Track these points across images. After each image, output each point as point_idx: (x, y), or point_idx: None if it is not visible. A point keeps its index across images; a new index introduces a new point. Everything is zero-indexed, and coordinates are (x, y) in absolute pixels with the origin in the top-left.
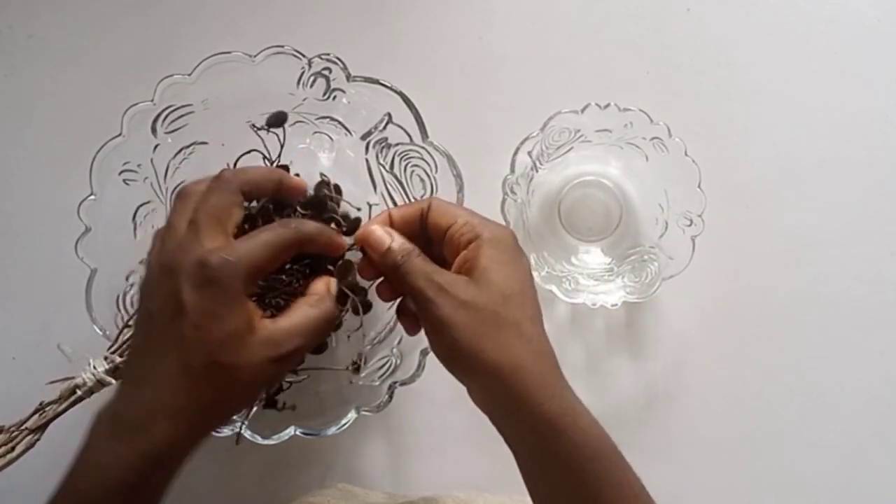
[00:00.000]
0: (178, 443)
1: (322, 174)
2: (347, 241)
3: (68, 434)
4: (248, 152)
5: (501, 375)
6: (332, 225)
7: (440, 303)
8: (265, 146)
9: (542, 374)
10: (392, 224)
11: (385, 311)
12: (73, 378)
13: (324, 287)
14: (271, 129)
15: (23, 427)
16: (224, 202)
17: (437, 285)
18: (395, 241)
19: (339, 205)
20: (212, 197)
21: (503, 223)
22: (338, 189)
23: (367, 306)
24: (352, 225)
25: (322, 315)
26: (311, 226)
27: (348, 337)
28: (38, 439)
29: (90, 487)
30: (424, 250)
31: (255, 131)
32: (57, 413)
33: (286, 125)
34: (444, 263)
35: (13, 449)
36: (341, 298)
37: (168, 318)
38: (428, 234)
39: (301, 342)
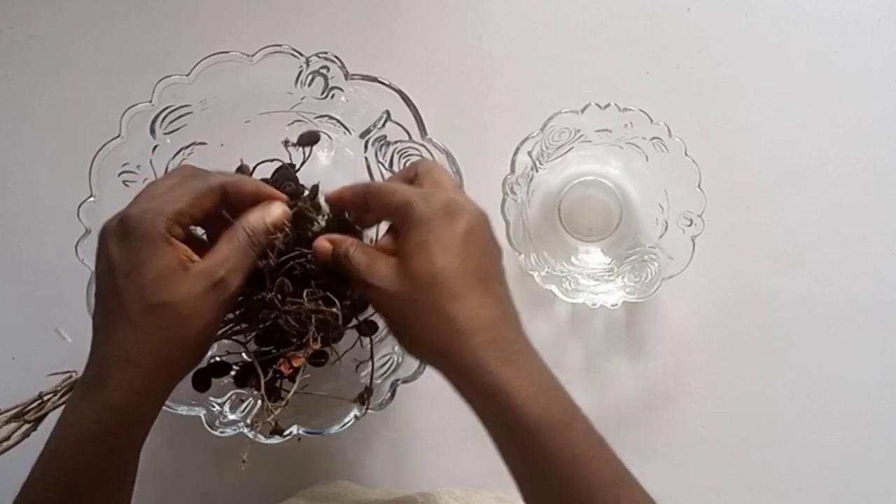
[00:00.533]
0: (136, 392)
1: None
2: (284, 198)
3: None
4: (272, 161)
5: (435, 360)
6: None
7: (374, 299)
8: (290, 158)
9: (472, 353)
10: (344, 199)
11: None
12: (72, 372)
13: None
14: (301, 147)
15: (21, 416)
16: (173, 181)
17: (369, 284)
18: (334, 244)
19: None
20: (164, 177)
21: (503, 222)
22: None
23: (373, 327)
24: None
25: (248, 242)
26: (233, 175)
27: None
28: (34, 429)
29: (61, 444)
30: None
31: (285, 147)
32: (55, 405)
33: (286, 126)
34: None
35: (9, 437)
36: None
37: (105, 278)
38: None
39: (232, 265)
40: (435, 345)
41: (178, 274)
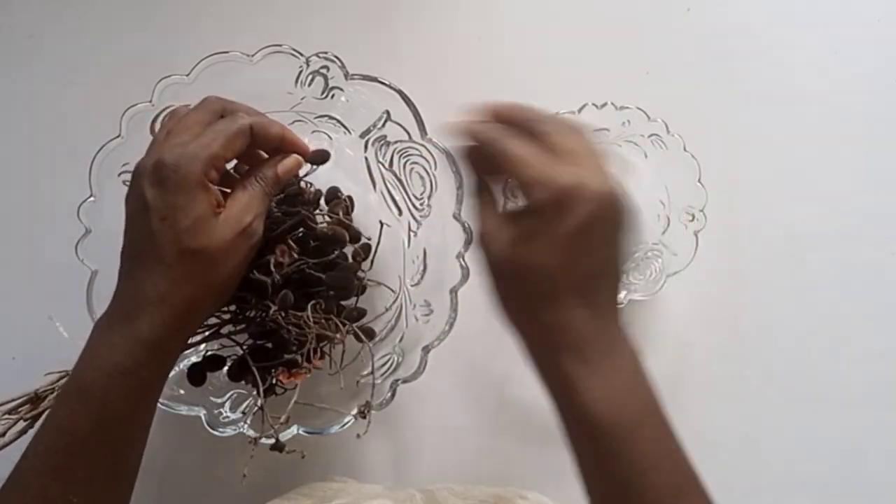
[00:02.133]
0: (167, 329)
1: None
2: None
3: None
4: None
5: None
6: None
7: (478, 238)
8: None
9: (551, 352)
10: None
11: (385, 310)
12: (67, 371)
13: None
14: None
15: (15, 411)
16: (202, 117)
17: (484, 214)
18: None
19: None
20: (192, 112)
21: None
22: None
23: (370, 334)
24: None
25: (262, 190)
26: (259, 116)
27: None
28: (30, 427)
29: (91, 376)
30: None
31: None
32: (52, 403)
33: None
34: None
35: (4, 433)
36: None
37: (138, 219)
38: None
39: (256, 211)
40: (516, 324)
41: (211, 220)
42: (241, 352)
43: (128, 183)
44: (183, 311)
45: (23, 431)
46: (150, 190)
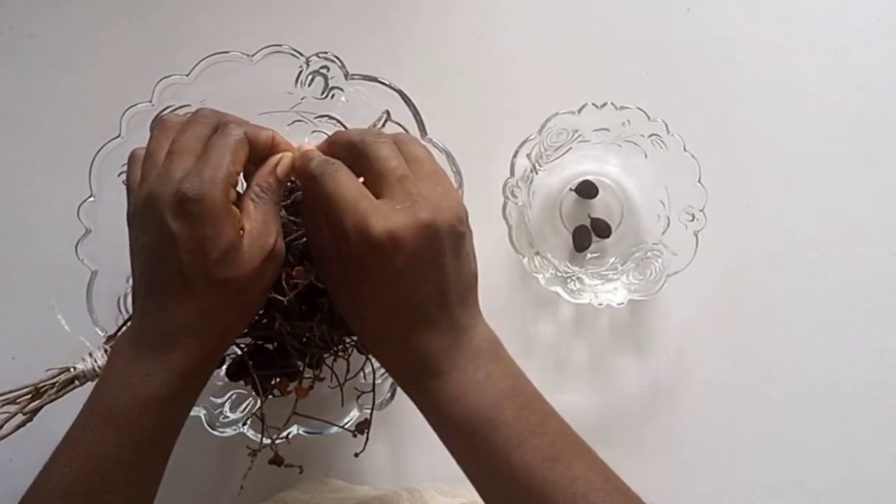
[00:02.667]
0: (201, 358)
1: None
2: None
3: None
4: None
5: (393, 376)
6: None
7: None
8: None
9: (407, 380)
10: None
11: None
12: (69, 367)
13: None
14: None
15: (14, 402)
16: (202, 133)
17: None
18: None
19: None
20: (188, 128)
21: (506, 225)
22: None
23: None
24: None
25: (270, 199)
26: (250, 125)
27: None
28: (29, 420)
29: (124, 405)
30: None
31: None
32: (51, 398)
33: (286, 126)
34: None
35: (1, 427)
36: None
37: (163, 251)
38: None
39: (275, 229)
40: (389, 368)
41: (238, 247)
42: (240, 352)
43: None
44: (216, 339)
45: (21, 425)
46: (175, 222)
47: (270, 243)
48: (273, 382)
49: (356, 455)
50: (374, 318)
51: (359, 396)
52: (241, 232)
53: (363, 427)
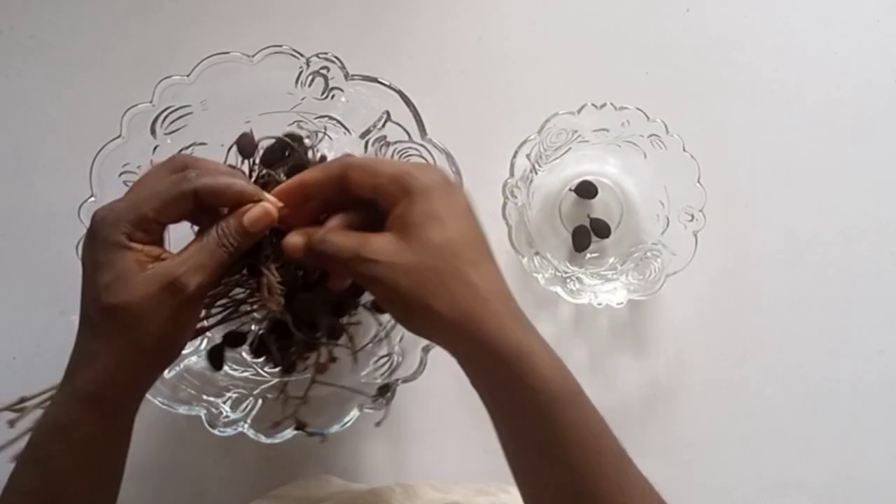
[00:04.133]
0: (101, 384)
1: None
2: (274, 201)
3: None
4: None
5: (455, 328)
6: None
7: (379, 276)
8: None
9: (494, 318)
10: (308, 192)
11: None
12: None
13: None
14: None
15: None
16: (160, 174)
17: (371, 260)
18: (307, 236)
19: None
20: (155, 169)
21: (505, 225)
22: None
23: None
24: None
25: (218, 243)
26: (210, 177)
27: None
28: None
29: (37, 433)
30: (349, 209)
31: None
32: (35, 407)
33: (286, 126)
34: (378, 216)
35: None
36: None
37: (82, 274)
38: (353, 194)
39: (192, 264)
40: (456, 311)
41: (133, 276)
42: (261, 328)
43: (128, 183)
44: (115, 367)
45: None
46: (84, 247)
47: (176, 273)
48: (292, 355)
49: (377, 425)
50: (453, 245)
51: (389, 368)
52: (153, 264)
53: (385, 391)
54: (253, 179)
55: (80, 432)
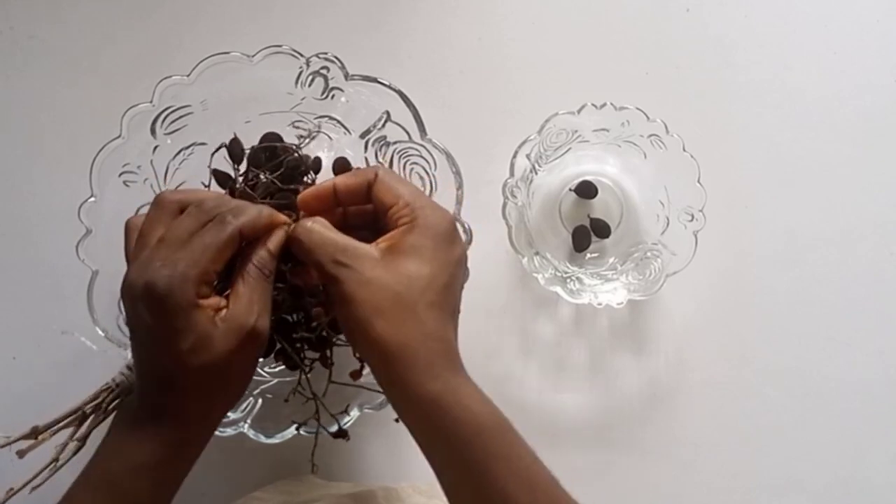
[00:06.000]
0: (190, 432)
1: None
2: (284, 218)
3: None
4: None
5: (388, 353)
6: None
7: (342, 278)
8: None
9: (428, 356)
10: (336, 194)
11: None
12: (110, 384)
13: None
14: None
15: (65, 427)
16: (191, 226)
17: (340, 262)
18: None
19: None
20: (186, 219)
21: (505, 225)
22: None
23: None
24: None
25: (261, 276)
26: (247, 214)
27: None
28: (82, 446)
29: (117, 469)
30: (371, 219)
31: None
32: (100, 419)
33: (286, 126)
34: (376, 227)
35: (57, 458)
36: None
37: (143, 339)
38: (374, 205)
39: (259, 308)
40: (394, 339)
41: (212, 335)
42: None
43: (128, 183)
44: (200, 418)
45: (76, 451)
46: (147, 315)
47: (250, 323)
48: (302, 354)
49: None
50: (416, 282)
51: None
52: (222, 312)
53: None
54: (242, 181)
55: (167, 472)
